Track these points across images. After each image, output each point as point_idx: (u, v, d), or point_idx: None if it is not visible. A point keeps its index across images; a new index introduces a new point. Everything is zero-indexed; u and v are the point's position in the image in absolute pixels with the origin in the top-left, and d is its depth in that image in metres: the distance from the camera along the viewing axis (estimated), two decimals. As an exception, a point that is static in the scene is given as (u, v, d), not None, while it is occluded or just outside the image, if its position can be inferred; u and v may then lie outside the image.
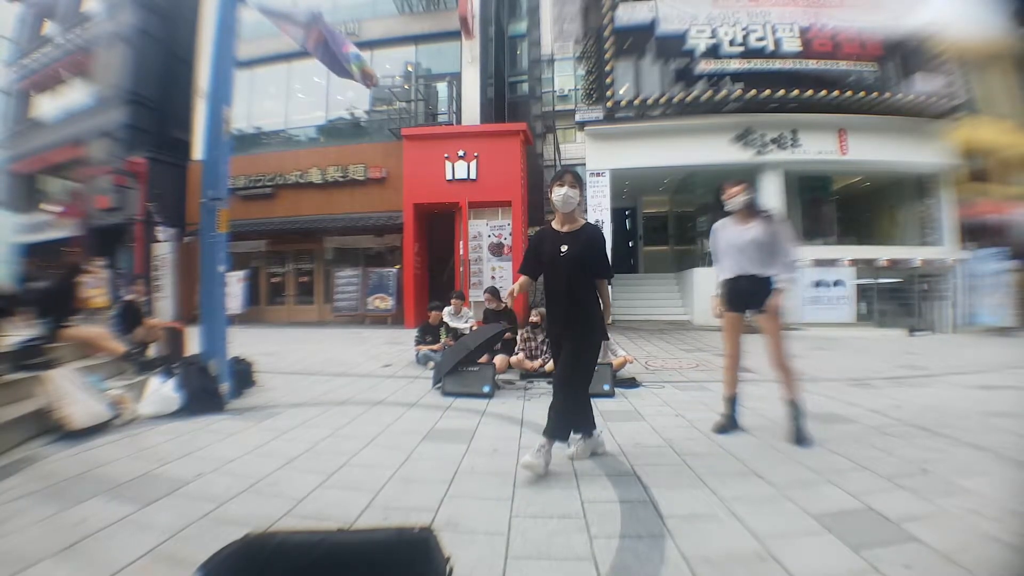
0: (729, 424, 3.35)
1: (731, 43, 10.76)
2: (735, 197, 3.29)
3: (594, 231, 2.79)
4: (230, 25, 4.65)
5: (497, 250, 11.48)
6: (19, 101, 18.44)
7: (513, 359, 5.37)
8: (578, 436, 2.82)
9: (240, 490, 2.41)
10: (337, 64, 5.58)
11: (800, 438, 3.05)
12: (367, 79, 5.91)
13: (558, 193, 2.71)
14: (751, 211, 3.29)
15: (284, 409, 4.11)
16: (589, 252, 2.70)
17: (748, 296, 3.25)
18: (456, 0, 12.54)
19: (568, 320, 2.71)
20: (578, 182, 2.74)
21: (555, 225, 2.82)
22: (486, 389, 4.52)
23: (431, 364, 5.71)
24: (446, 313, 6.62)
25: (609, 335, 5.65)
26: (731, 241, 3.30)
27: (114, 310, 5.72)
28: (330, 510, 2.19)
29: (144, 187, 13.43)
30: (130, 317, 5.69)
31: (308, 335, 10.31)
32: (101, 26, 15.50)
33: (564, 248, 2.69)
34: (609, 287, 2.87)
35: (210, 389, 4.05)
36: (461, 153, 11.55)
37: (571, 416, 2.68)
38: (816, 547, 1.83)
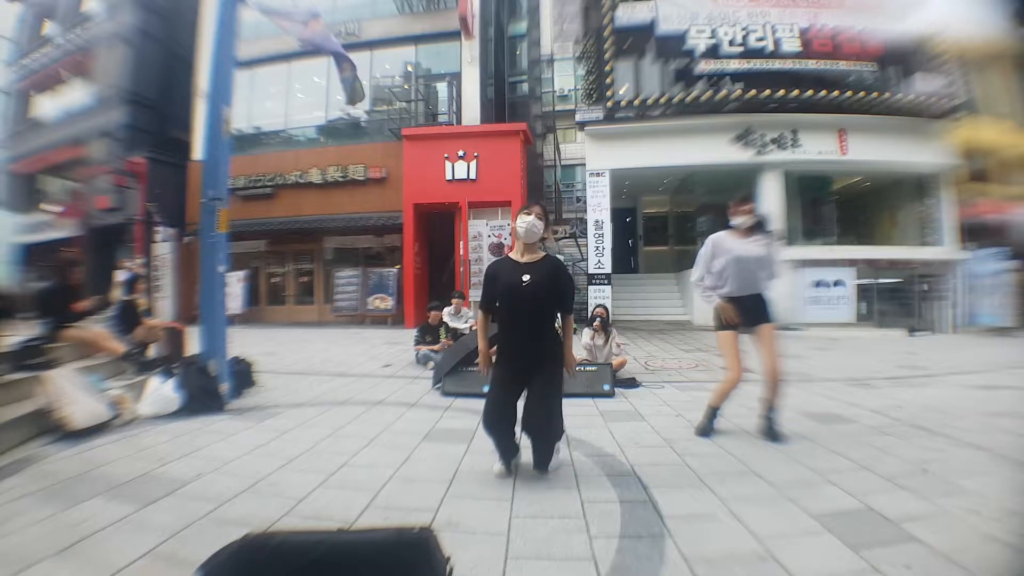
0: (709, 428, 3.34)
1: (731, 43, 10.75)
2: (742, 216, 3.26)
3: (558, 262, 2.66)
4: (230, 25, 4.65)
5: (497, 250, 11.48)
6: (19, 101, 18.42)
7: None
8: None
9: (240, 490, 2.41)
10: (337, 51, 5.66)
11: (775, 436, 3.14)
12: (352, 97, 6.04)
13: (524, 221, 2.58)
14: (755, 228, 3.27)
15: (284, 409, 4.11)
16: (552, 281, 2.55)
17: (751, 314, 3.21)
18: (456, 0, 12.54)
19: (531, 356, 2.57)
20: (546, 217, 2.63)
21: (514, 256, 2.65)
22: (486, 389, 4.50)
23: (431, 364, 5.71)
24: (446, 313, 6.62)
25: (615, 331, 5.67)
26: (737, 255, 3.22)
27: (113, 310, 5.71)
28: (330, 510, 2.20)
29: (144, 187, 13.42)
30: (129, 317, 5.69)
31: (308, 335, 10.31)
32: (101, 26, 15.50)
33: (526, 278, 2.53)
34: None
35: (210, 389, 4.05)
36: (461, 153, 11.55)
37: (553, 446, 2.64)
38: (816, 547, 1.83)
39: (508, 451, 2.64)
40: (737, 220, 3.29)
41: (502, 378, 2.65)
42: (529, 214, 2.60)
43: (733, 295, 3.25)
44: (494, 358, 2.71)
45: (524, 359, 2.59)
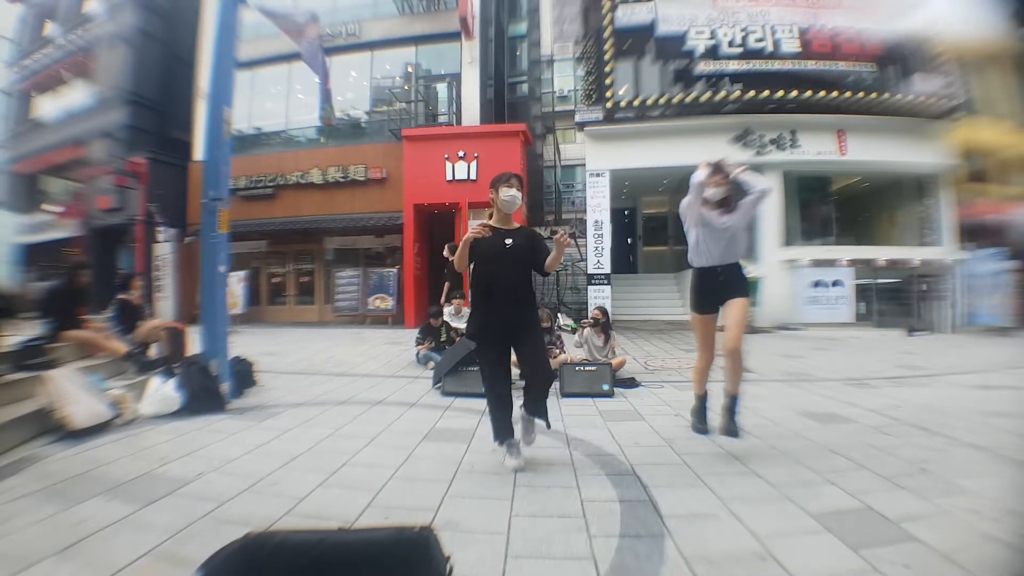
0: (702, 425, 3.31)
1: (730, 44, 10.76)
2: (717, 187, 3.09)
3: (532, 230, 3.05)
4: (231, 26, 4.65)
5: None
6: (20, 102, 18.44)
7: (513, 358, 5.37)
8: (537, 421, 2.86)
9: (240, 489, 2.41)
10: (322, 71, 5.71)
11: (732, 430, 2.95)
12: (325, 118, 6.15)
13: (507, 194, 2.81)
14: (732, 199, 3.11)
15: (285, 409, 4.11)
16: (531, 244, 2.82)
17: (723, 289, 3.05)
18: (456, 1, 12.56)
19: (519, 317, 2.76)
20: (522, 188, 2.88)
21: (493, 224, 2.88)
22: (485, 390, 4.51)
23: (431, 364, 5.71)
24: (446, 313, 6.62)
25: (613, 333, 5.70)
26: (710, 224, 3.07)
27: (112, 310, 5.71)
28: (330, 510, 2.20)
29: (145, 187, 13.43)
30: (130, 317, 5.68)
31: (309, 335, 10.31)
32: (102, 27, 15.51)
33: (509, 241, 2.77)
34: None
35: (211, 389, 4.05)
36: (461, 154, 11.56)
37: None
38: (816, 547, 1.83)
39: (510, 428, 2.79)
40: (709, 192, 3.09)
41: (491, 350, 2.80)
42: (511, 187, 2.83)
43: (707, 265, 3.11)
44: (477, 331, 2.81)
45: (511, 321, 2.74)
